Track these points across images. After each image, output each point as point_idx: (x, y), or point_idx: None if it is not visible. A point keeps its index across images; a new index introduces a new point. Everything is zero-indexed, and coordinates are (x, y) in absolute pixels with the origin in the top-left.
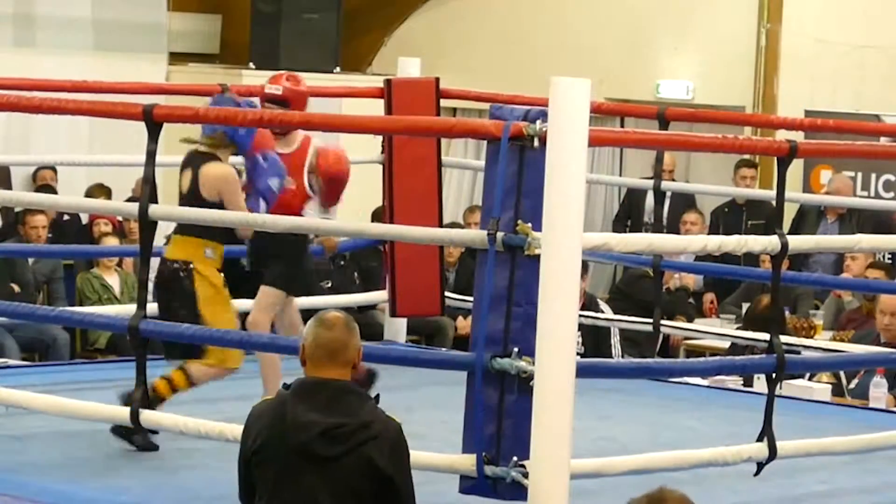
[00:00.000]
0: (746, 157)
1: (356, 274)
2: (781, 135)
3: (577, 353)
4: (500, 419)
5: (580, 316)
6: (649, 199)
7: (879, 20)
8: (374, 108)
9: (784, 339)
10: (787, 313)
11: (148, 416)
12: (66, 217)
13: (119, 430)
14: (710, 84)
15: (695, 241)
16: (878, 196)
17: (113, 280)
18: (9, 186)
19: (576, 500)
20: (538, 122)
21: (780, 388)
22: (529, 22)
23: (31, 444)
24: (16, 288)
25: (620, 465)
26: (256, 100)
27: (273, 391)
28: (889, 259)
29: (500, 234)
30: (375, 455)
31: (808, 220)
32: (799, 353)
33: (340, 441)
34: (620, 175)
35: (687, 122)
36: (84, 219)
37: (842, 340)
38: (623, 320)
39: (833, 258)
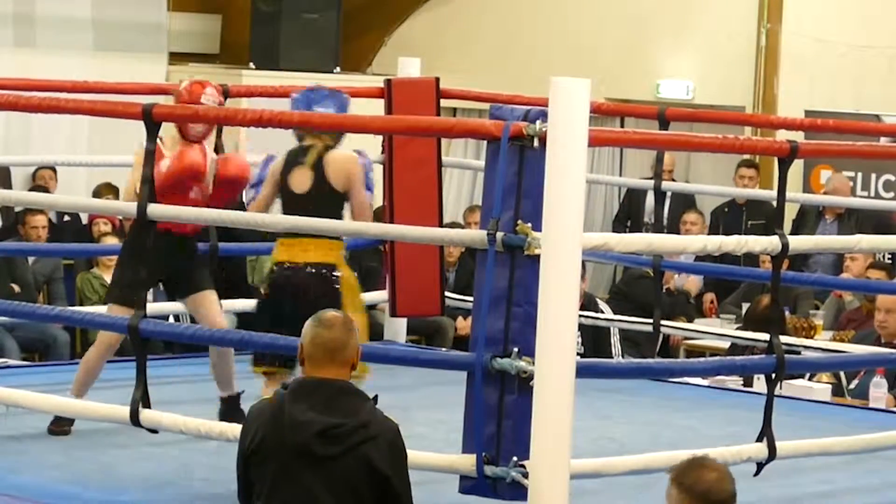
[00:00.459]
0: (746, 157)
1: (356, 274)
2: (782, 135)
3: (577, 353)
4: (500, 419)
5: (580, 316)
6: (649, 199)
7: (879, 20)
8: (374, 108)
9: (784, 339)
10: (787, 313)
11: (148, 416)
12: (66, 217)
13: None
14: (710, 84)
15: (695, 241)
16: (878, 196)
17: None
18: (9, 186)
19: (576, 500)
20: (538, 122)
21: (780, 388)
22: (529, 22)
23: (31, 444)
24: (16, 288)
25: (620, 465)
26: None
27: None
28: (889, 259)
29: (500, 234)
30: (373, 455)
31: (807, 220)
32: (799, 353)
33: (338, 441)
34: (620, 175)
35: (687, 122)
36: (84, 219)
37: (842, 340)
38: (623, 320)
39: (833, 258)
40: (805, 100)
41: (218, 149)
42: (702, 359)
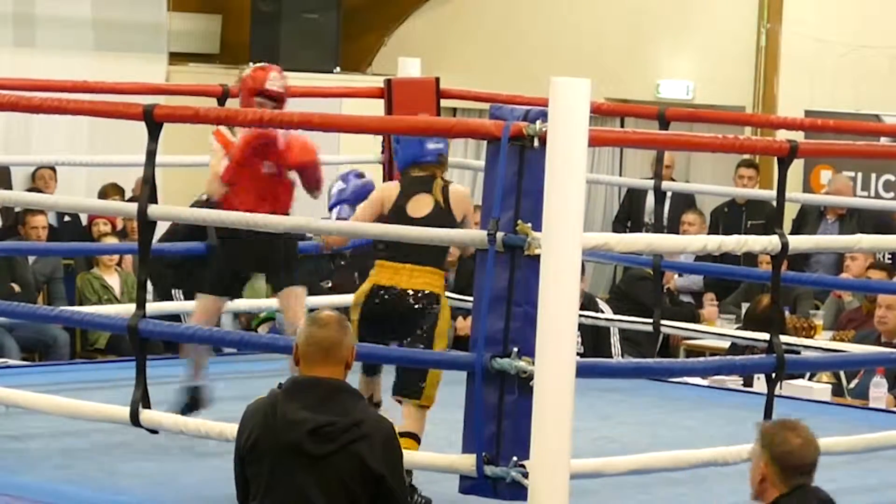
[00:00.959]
0: (746, 157)
1: (356, 274)
2: (781, 135)
3: (577, 353)
4: (500, 419)
5: (580, 316)
6: (649, 199)
7: (879, 20)
8: (374, 108)
9: (784, 339)
10: (787, 313)
11: (148, 416)
12: (66, 218)
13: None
14: (710, 84)
15: (695, 241)
16: (878, 196)
17: (113, 280)
18: (9, 186)
19: (576, 500)
20: (538, 122)
21: (780, 388)
22: (529, 22)
23: (31, 444)
24: (16, 288)
25: (620, 465)
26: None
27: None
28: (889, 259)
29: (500, 234)
30: (366, 454)
31: (808, 220)
32: (799, 353)
33: (330, 439)
34: (620, 175)
35: (687, 122)
36: (84, 219)
37: (842, 340)
38: (623, 320)
39: (833, 258)
40: (805, 100)
41: None
42: (702, 359)
